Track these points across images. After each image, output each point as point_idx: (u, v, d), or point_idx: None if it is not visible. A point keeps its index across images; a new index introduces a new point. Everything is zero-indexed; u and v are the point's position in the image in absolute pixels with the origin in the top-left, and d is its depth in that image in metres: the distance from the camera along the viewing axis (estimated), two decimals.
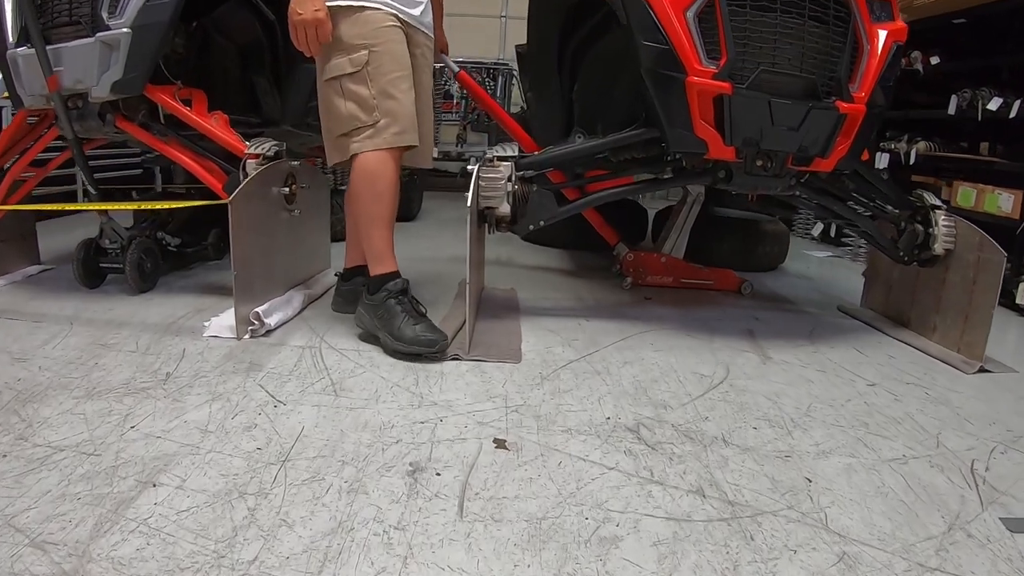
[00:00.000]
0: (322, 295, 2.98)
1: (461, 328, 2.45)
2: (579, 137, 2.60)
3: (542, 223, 2.60)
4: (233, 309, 2.41)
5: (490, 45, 7.16)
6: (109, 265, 3.03)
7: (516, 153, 2.54)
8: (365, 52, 2.27)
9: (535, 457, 1.68)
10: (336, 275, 2.85)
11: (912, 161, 4.72)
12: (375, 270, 2.40)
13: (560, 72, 2.86)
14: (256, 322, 2.43)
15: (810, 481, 1.66)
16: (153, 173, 5.98)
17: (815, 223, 5.50)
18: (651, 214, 4.51)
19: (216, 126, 2.77)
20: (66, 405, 1.86)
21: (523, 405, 1.96)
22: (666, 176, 2.70)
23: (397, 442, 1.72)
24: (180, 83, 2.95)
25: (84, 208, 2.93)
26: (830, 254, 5.01)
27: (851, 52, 2.52)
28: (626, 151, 2.63)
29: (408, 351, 2.26)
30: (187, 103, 2.90)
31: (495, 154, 2.52)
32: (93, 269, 3.02)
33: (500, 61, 6.79)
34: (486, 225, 2.60)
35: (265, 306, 2.51)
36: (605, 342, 2.54)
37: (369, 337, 2.43)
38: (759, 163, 2.51)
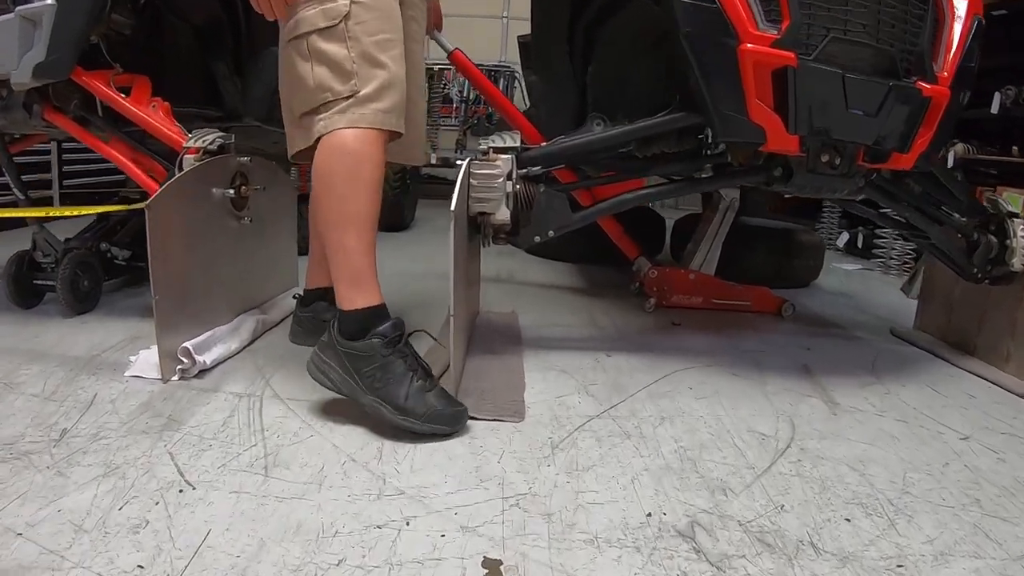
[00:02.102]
0: (281, 322, 2.34)
1: (445, 372, 1.81)
2: (598, 124, 1.96)
3: (551, 233, 1.96)
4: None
5: (491, 47, 6.52)
6: (44, 282, 2.41)
7: (516, 144, 1.91)
8: (346, 1, 1.56)
9: None
10: (295, 297, 2.20)
11: (950, 165, 4.11)
12: (351, 300, 1.59)
13: (572, 49, 2.23)
14: (186, 360, 1.81)
15: None
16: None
17: (840, 233, 4.88)
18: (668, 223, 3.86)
19: (153, 115, 2.16)
20: None
21: (527, 494, 1.31)
22: (705, 175, 2.07)
23: (338, 563, 1.08)
24: (119, 67, 2.35)
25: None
26: (860, 267, 4.37)
27: (932, 23, 1.91)
28: (656, 143, 1.99)
29: (425, 430, 1.51)
30: (127, 92, 2.31)
31: (491, 145, 1.89)
32: (27, 287, 2.41)
33: (502, 63, 6.21)
34: (480, 236, 1.98)
35: (201, 338, 1.88)
36: (632, 387, 1.90)
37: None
38: (824, 158, 1.88)
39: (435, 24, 2.34)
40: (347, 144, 1.57)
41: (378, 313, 1.60)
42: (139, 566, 1.06)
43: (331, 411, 1.64)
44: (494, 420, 1.62)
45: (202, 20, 2.74)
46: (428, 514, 1.23)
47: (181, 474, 1.33)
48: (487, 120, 6.00)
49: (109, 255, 2.61)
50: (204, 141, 2.01)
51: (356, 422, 1.58)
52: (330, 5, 1.56)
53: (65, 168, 4.78)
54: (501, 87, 5.84)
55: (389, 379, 1.52)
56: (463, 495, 1.30)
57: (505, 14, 6.69)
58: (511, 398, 1.73)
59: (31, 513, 1.19)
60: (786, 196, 3.02)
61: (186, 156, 2.00)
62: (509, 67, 5.99)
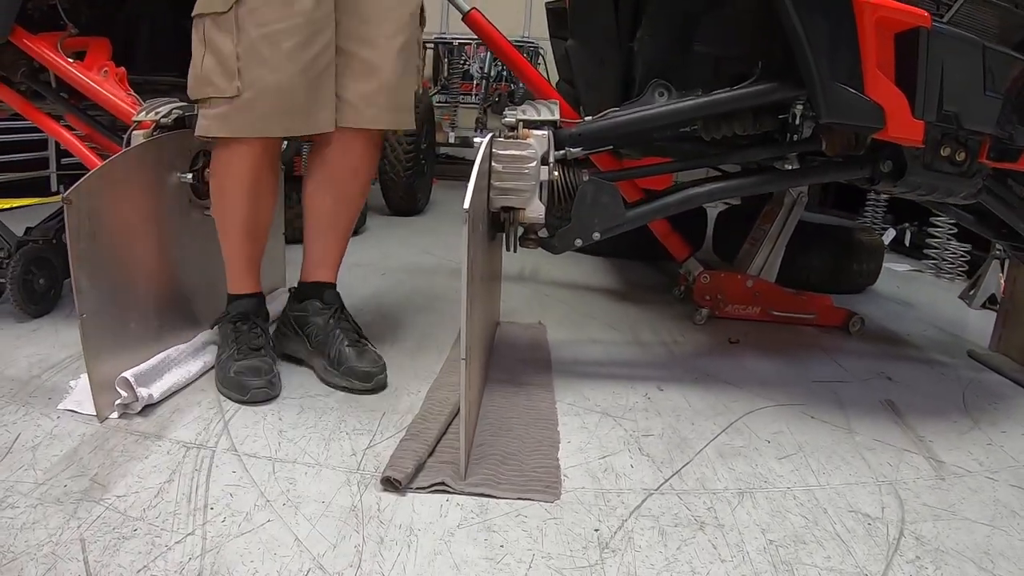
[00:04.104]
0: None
1: (454, 419, 1.37)
2: (661, 95, 1.49)
3: (597, 236, 1.51)
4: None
5: (514, 22, 6.02)
6: None
7: (555, 117, 1.45)
8: None
9: None
10: (290, 290, 1.81)
11: None
12: (229, 288, 1.69)
13: (618, 7, 1.76)
14: (125, 393, 1.39)
15: None
16: None
17: (885, 228, 4.40)
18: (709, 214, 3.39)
19: (102, 82, 1.73)
20: None
21: None
22: (789, 167, 1.61)
23: None
24: (74, 28, 1.93)
25: None
26: (910, 268, 3.90)
27: None
28: (728, 124, 1.53)
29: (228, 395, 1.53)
30: (79, 56, 1.89)
31: (520, 117, 1.44)
32: None
33: (525, 39, 5.73)
34: (502, 236, 1.54)
35: (149, 363, 1.46)
36: (697, 440, 1.45)
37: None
38: (945, 152, 1.43)
39: None
40: (222, 156, 1.54)
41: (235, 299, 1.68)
42: None
43: (299, 477, 1.21)
44: (519, 500, 1.18)
45: None
46: None
47: None
48: (509, 98, 5.53)
49: None
50: (157, 113, 1.58)
51: (331, 496, 1.15)
52: None
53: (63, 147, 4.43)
54: None
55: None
56: None
57: None
58: (542, 463, 1.27)
59: None
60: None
61: (135, 132, 1.57)
62: (533, 43, 5.52)
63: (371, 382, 1.56)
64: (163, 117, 1.57)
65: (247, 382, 1.50)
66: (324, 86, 1.52)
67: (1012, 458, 1.52)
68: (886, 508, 1.25)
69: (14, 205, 2.08)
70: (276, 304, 2.02)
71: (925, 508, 1.26)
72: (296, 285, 1.77)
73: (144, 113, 1.59)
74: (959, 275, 3.58)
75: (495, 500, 1.17)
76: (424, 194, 4.30)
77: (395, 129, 1.67)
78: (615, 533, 1.10)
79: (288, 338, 1.72)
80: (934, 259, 3.81)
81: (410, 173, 3.87)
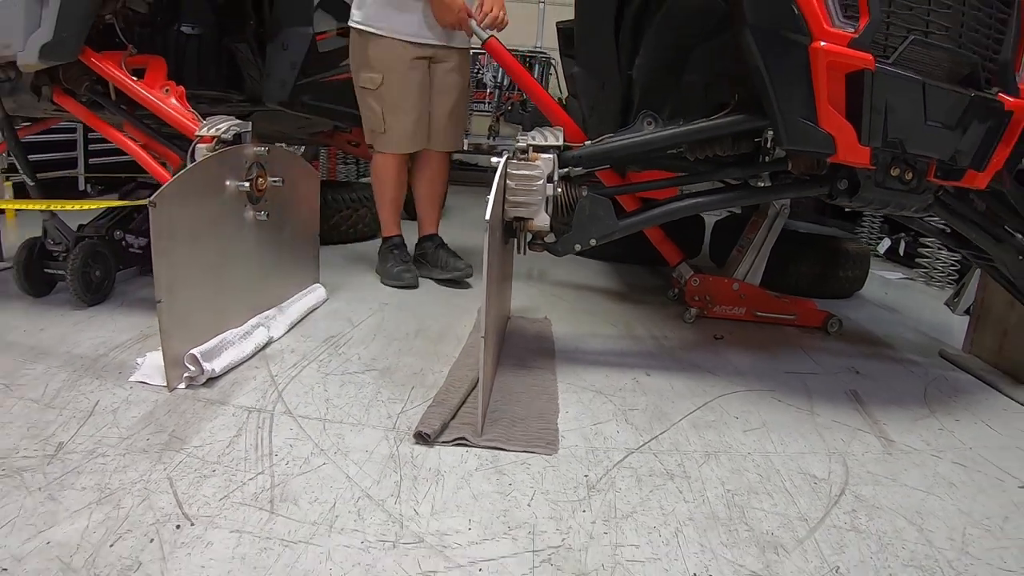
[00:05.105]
0: (300, 320, 2.23)
1: (472, 389, 1.67)
2: (649, 123, 1.79)
3: (594, 242, 1.81)
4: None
5: (527, 33, 6.32)
6: (55, 271, 2.31)
7: (559, 142, 1.76)
8: (380, 76, 2.62)
9: None
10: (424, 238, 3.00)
11: None
12: (384, 233, 2.97)
13: (618, 38, 2.05)
14: (193, 367, 1.68)
15: None
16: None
17: (881, 238, 4.67)
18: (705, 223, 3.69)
19: (165, 99, 2.03)
20: None
21: (560, 547, 1.17)
22: (762, 184, 1.90)
23: None
24: (133, 48, 2.23)
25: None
26: (902, 275, 4.17)
27: (1017, 27, 1.72)
28: (710, 146, 1.83)
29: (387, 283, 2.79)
30: (140, 74, 2.18)
31: (531, 142, 1.74)
32: (37, 275, 2.32)
33: (537, 48, 6.02)
34: (513, 241, 1.84)
35: (210, 344, 1.76)
36: (675, 414, 1.75)
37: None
38: (895, 172, 1.71)
39: (469, 14, 2.50)
40: (378, 161, 2.83)
41: (392, 238, 2.94)
42: None
43: (346, 433, 1.51)
44: (524, 452, 1.48)
45: None
46: (449, 569, 1.09)
47: (180, 505, 1.21)
48: (521, 107, 5.82)
49: (124, 243, 2.51)
50: (218, 129, 1.88)
51: (373, 447, 1.45)
52: (374, 75, 2.63)
53: (92, 146, 4.70)
54: (536, 74, 5.66)
55: (383, 262, 2.89)
56: (489, 546, 1.16)
57: (541, 0, 6.48)
58: (544, 426, 1.58)
59: (18, 544, 1.09)
60: None
61: (199, 146, 1.87)
62: (545, 53, 5.81)
63: (462, 271, 2.81)
64: (223, 133, 1.87)
65: (404, 275, 2.75)
66: (422, 126, 2.72)
67: (960, 441, 1.78)
68: (832, 472, 1.53)
69: (92, 206, 2.36)
70: (312, 297, 2.34)
71: (868, 475, 1.54)
72: (417, 240, 3.01)
73: (206, 129, 1.89)
74: (949, 283, 3.81)
75: (505, 452, 1.47)
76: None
77: (453, 150, 2.93)
78: (601, 479, 1.40)
79: (420, 265, 2.92)
80: (925, 267, 4.08)
81: None
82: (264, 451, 1.41)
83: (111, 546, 1.10)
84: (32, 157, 2.66)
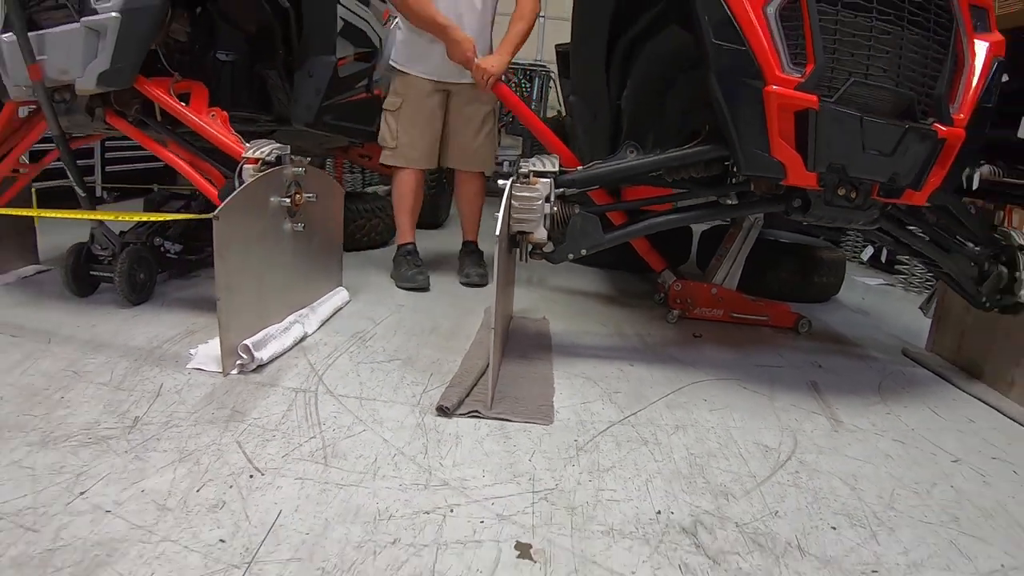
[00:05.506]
0: (329, 318, 2.61)
1: (483, 373, 2.05)
2: (631, 152, 2.18)
3: (584, 252, 2.19)
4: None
5: (527, 46, 6.68)
6: (100, 273, 2.69)
7: (556, 168, 2.14)
8: (400, 100, 3.23)
9: (569, 573, 1.28)
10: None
11: (975, 186, 4.27)
12: (399, 240, 3.43)
13: (608, 72, 2.44)
14: (245, 356, 2.06)
15: None
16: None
17: (864, 247, 5.05)
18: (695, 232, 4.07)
19: (213, 124, 2.40)
20: (17, 454, 1.54)
21: (555, 489, 1.55)
22: (729, 202, 2.28)
23: (394, 542, 1.32)
24: (178, 75, 2.60)
25: (73, 216, 2.55)
26: (882, 282, 4.56)
27: (951, 67, 2.10)
28: (684, 170, 2.21)
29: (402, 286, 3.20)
30: (184, 98, 2.55)
31: (531, 169, 2.12)
32: (83, 277, 2.69)
33: (538, 62, 6.41)
34: (517, 251, 2.21)
35: (258, 336, 2.13)
36: (652, 396, 2.13)
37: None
38: (841, 192, 2.09)
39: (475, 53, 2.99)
40: (399, 176, 3.34)
41: (405, 245, 3.37)
42: (221, 540, 1.30)
43: (380, 408, 1.89)
44: (526, 423, 1.86)
45: (255, 30, 2.99)
46: (469, 503, 1.47)
47: (250, 461, 1.58)
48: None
49: (162, 249, 2.88)
50: (262, 152, 2.25)
51: (403, 418, 1.83)
52: (395, 99, 3.23)
53: (107, 155, 5.11)
54: (536, 86, 6.03)
55: (397, 267, 3.32)
56: (498, 488, 1.53)
57: (542, 14, 6.86)
58: (542, 403, 1.97)
59: (117, 492, 1.43)
60: None
61: (245, 166, 2.24)
62: (545, 67, 6.18)
63: (475, 278, 3.33)
64: (267, 155, 2.24)
65: (416, 278, 3.18)
66: (433, 145, 3.29)
67: (905, 424, 2.14)
68: (783, 444, 1.90)
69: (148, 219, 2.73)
70: (337, 298, 2.71)
71: (814, 446, 1.91)
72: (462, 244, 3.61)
73: (251, 151, 2.26)
74: (927, 288, 4.15)
75: (510, 422, 1.85)
76: (445, 209, 4.99)
77: (485, 171, 3.48)
78: (587, 443, 1.78)
79: (461, 263, 3.51)
80: (905, 274, 4.46)
81: (433, 191, 4.56)
82: (313, 421, 1.78)
83: (198, 491, 1.45)
84: (53, 165, 3.03)
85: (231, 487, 1.47)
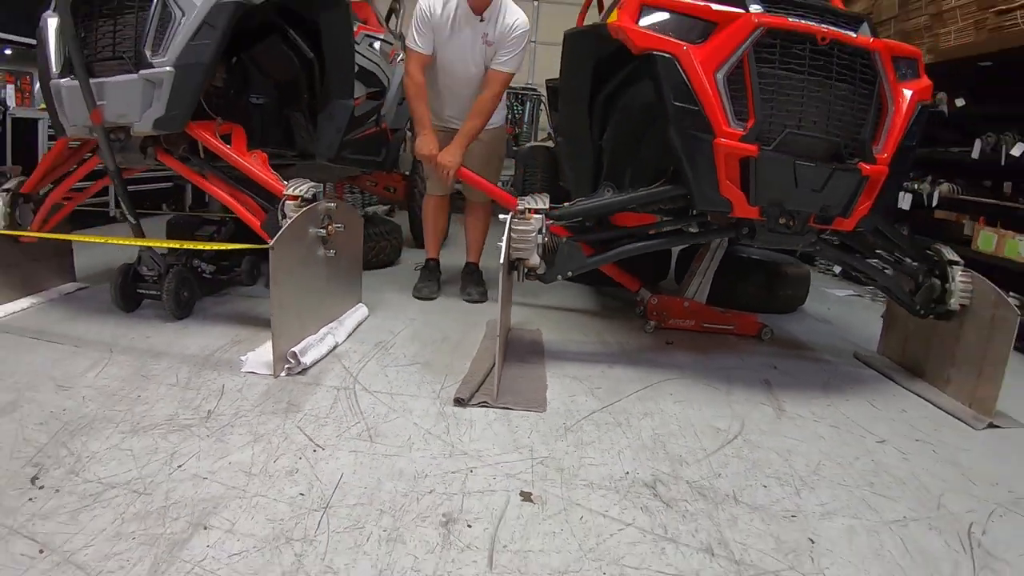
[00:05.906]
0: (354, 330, 3.14)
1: (490, 373, 2.59)
2: (608, 191, 2.74)
3: (570, 274, 2.75)
4: (269, 345, 2.56)
5: (520, 72, 7.20)
6: (146, 291, 3.19)
7: (546, 205, 2.69)
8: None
9: (559, 511, 1.81)
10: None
11: (935, 203, 4.83)
12: (427, 256, 4.16)
13: (591, 117, 2.99)
14: (292, 360, 2.58)
15: (813, 542, 1.78)
16: (183, 187, 6.20)
17: None
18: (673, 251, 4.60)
19: (255, 164, 2.93)
20: (113, 440, 2.00)
21: (548, 457, 2.10)
22: (692, 229, 2.83)
23: (430, 492, 1.86)
24: (220, 119, 3.09)
25: (126, 243, 3.07)
26: (850, 292, 5.10)
27: (876, 113, 2.61)
28: (653, 205, 2.77)
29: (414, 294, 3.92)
30: (226, 139, 3.05)
31: (527, 206, 2.66)
32: (130, 294, 3.18)
33: (529, 86, 6.90)
34: (515, 273, 2.75)
35: (301, 344, 2.66)
36: (627, 391, 2.67)
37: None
38: (782, 221, 2.63)
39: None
40: (424, 201, 4.15)
41: (429, 260, 4.13)
42: (300, 494, 1.82)
43: (408, 400, 2.43)
44: (525, 411, 2.40)
45: (283, 77, 3.51)
46: (484, 466, 2.01)
47: (311, 440, 2.10)
48: (515, 140, 6.69)
49: (200, 270, 3.39)
50: (301, 190, 2.79)
51: (427, 408, 2.37)
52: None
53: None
54: (528, 110, 6.56)
55: (418, 279, 4.02)
56: (506, 456, 2.08)
57: (534, 39, 7.45)
58: (537, 396, 2.52)
59: (208, 465, 1.92)
60: None
61: (288, 202, 2.77)
62: (536, 90, 6.69)
63: (474, 296, 3.91)
64: (305, 193, 2.78)
65: (422, 290, 3.90)
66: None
67: (842, 413, 2.66)
68: (732, 427, 2.43)
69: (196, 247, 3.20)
70: (359, 313, 3.25)
71: (758, 429, 2.44)
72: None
73: (291, 189, 2.79)
74: None
75: (512, 410, 2.40)
76: (394, 251, 5.43)
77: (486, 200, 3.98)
78: (573, 425, 2.33)
79: (463, 283, 4.04)
80: (871, 285, 4.98)
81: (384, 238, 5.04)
82: (356, 411, 2.31)
83: (275, 462, 1.97)
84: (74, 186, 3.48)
85: (300, 459, 1.99)
